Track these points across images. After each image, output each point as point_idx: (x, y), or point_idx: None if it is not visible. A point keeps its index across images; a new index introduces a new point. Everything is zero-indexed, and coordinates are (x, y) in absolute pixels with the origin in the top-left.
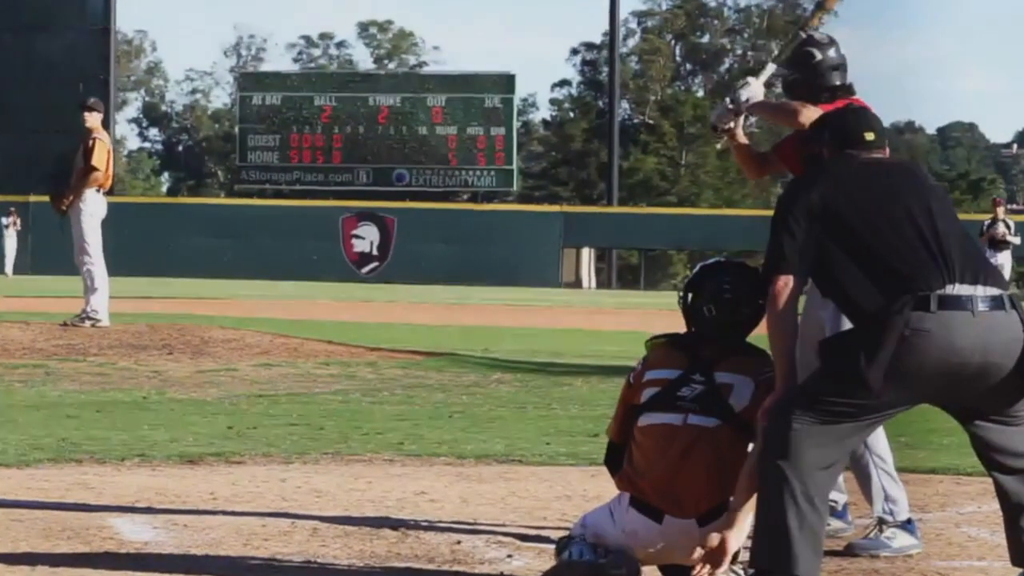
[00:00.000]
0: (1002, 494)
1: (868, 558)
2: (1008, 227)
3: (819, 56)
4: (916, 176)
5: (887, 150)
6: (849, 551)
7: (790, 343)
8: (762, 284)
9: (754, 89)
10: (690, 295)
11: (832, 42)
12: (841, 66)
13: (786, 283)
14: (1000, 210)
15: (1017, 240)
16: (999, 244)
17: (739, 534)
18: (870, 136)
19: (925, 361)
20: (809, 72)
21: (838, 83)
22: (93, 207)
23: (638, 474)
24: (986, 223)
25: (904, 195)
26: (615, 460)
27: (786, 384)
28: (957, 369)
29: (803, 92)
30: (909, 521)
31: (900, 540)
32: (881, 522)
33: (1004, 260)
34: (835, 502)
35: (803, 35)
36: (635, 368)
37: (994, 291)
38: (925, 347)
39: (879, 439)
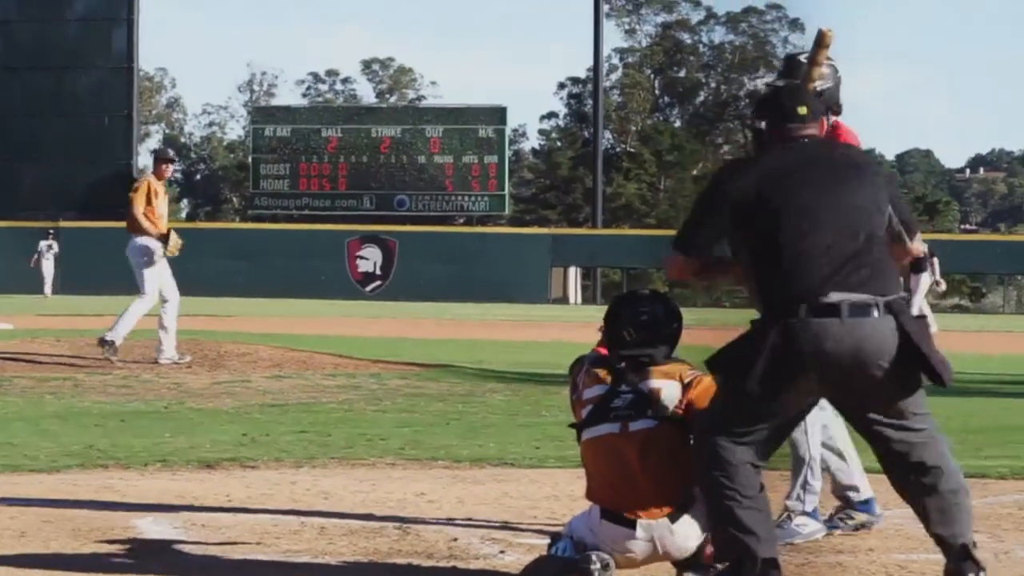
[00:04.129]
0: (893, 456)
1: (832, 552)
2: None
3: None
4: (854, 170)
5: (824, 123)
6: None
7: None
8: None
9: None
10: (610, 324)
11: None
12: None
13: (685, 262)
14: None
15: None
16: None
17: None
18: (803, 110)
19: (798, 365)
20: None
21: None
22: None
23: (599, 487)
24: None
25: (829, 193)
26: None
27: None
28: (830, 371)
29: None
30: (813, 509)
31: (809, 527)
32: (789, 510)
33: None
34: (856, 489)
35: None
36: (578, 371)
37: (865, 297)
38: (796, 352)
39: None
